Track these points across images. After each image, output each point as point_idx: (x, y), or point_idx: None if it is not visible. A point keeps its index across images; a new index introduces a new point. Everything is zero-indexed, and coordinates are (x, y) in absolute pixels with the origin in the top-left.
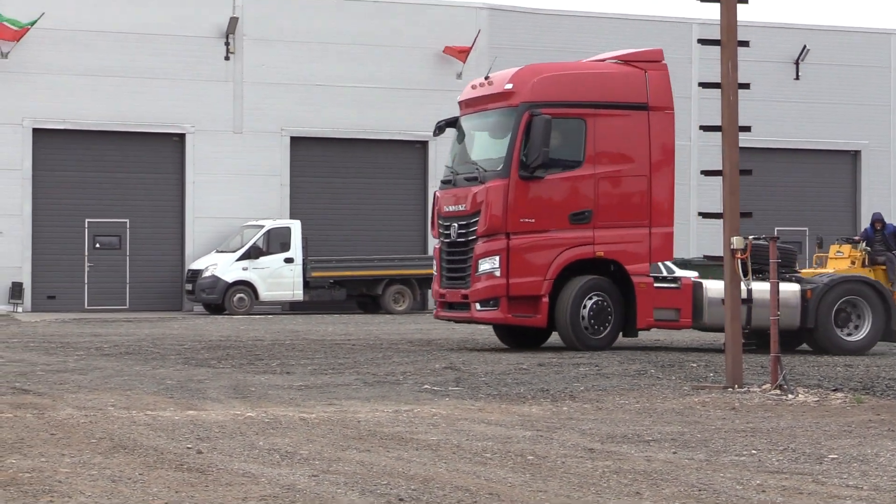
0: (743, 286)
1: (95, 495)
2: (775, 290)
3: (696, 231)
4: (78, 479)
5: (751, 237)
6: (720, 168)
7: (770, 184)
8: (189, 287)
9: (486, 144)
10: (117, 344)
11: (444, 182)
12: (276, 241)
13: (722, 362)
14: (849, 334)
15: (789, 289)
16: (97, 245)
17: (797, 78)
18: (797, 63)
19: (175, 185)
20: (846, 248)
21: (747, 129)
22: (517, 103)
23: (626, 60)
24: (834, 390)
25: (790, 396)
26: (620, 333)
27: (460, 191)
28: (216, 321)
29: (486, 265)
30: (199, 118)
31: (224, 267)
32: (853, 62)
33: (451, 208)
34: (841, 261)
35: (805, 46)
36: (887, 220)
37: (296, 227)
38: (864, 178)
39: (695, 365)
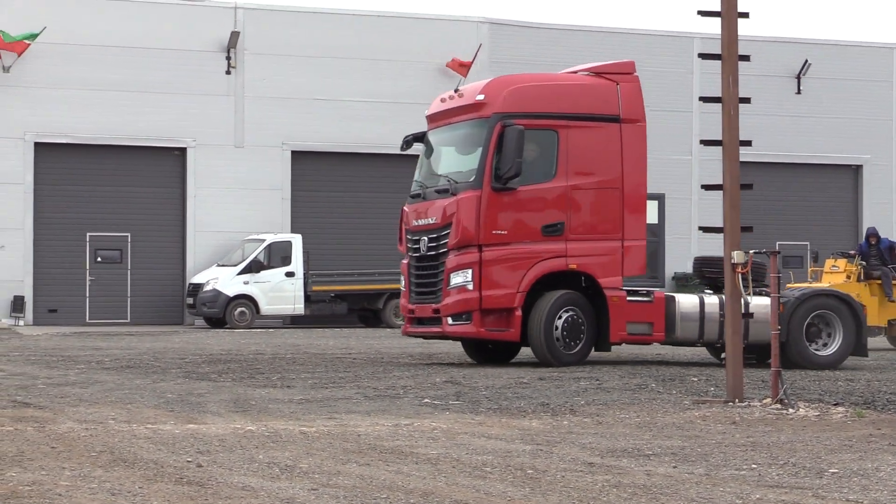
0: (714, 300)
1: None
2: (775, 305)
3: (696, 245)
4: (78, 493)
5: (752, 251)
6: (721, 182)
7: (771, 198)
8: (190, 301)
9: (457, 156)
10: (118, 357)
11: (412, 196)
12: (277, 255)
13: (723, 376)
14: (818, 349)
15: (761, 303)
16: (98, 259)
17: (799, 92)
18: (799, 77)
19: (176, 199)
20: (841, 262)
21: (748, 143)
22: (489, 114)
23: (597, 72)
24: (835, 405)
25: (791, 411)
26: (592, 348)
27: (430, 204)
28: (217, 335)
29: (458, 278)
30: (201, 132)
31: (225, 281)
32: (855, 76)
33: (421, 222)
34: (836, 275)
35: (806, 61)
36: (885, 235)
37: (297, 241)
38: (865, 192)
39: (696, 379)
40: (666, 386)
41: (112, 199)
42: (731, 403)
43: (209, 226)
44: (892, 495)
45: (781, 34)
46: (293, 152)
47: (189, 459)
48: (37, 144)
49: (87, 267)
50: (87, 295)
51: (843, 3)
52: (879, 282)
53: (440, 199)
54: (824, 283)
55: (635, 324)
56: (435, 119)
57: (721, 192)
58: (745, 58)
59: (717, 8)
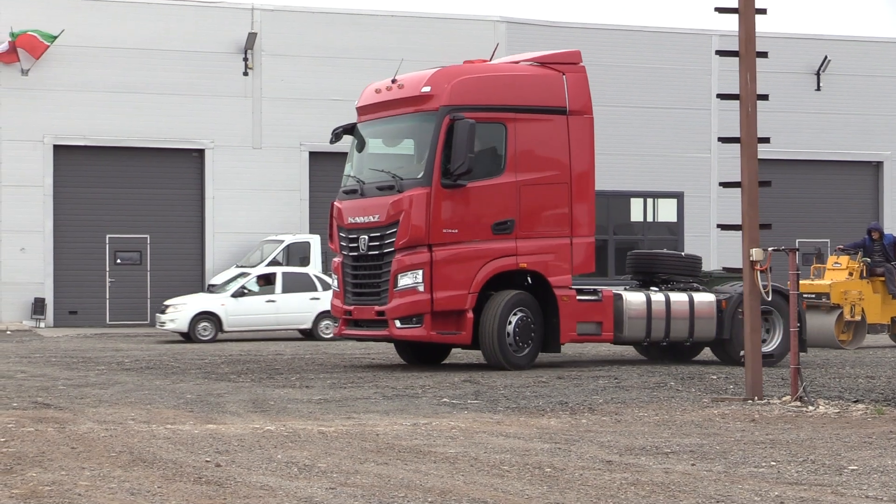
0: (660, 297)
1: None
2: (794, 303)
3: (715, 243)
4: (97, 492)
5: (770, 249)
6: (739, 180)
7: (790, 195)
8: None
9: (399, 151)
10: (138, 359)
11: (346, 192)
12: (295, 256)
13: (741, 374)
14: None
15: (706, 299)
16: (118, 261)
17: (818, 89)
18: (818, 74)
19: (195, 200)
20: (844, 259)
21: (766, 140)
22: (436, 107)
23: (542, 62)
24: (854, 402)
25: (810, 408)
26: (539, 350)
27: (371, 201)
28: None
29: (406, 280)
30: (219, 134)
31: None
32: (875, 73)
33: (360, 219)
34: (839, 272)
35: (826, 57)
36: (888, 231)
37: (315, 241)
38: (886, 189)
39: (715, 377)
40: (685, 384)
41: (131, 200)
42: (750, 401)
43: (228, 227)
44: None
45: (800, 31)
46: (311, 153)
47: (208, 459)
48: (56, 147)
49: (107, 269)
50: (108, 297)
51: None
52: (883, 278)
53: (383, 196)
54: (826, 281)
55: (585, 323)
56: (369, 111)
57: (739, 189)
58: (763, 54)
59: (735, 4)
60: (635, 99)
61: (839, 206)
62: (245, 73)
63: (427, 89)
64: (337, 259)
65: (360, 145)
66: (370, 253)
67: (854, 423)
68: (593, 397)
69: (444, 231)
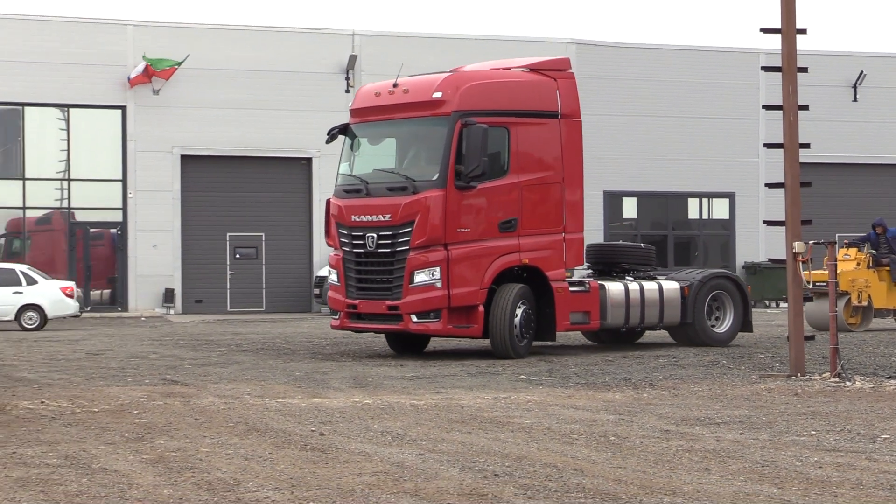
0: (636, 286)
1: (230, 471)
2: (833, 290)
3: (763, 238)
4: (216, 458)
5: (811, 242)
6: (783, 181)
7: (829, 195)
8: (317, 291)
9: (410, 153)
10: (254, 341)
11: (348, 191)
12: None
13: (787, 354)
14: (714, 326)
15: (672, 287)
16: (237, 255)
17: (855, 100)
18: (855, 87)
19: (304, 202)
20: (852, 251)
21: (807, 146)
22: (448, 112)
23: (535, 69)
24: (888, 378)
25: (848, 384)
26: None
27: (380, 200)
28: None
29: (422, 276)
30: (324, 144)
31: None
32: None
33: (366, 218)
34: (847, 263)
35: (862, 72)
36: (892, 226)
37: None
38: None
39: (762, 356)
40: (735, 362)
41: (248, 203)
42: (793, 377)
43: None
44: None
45: (838, 48)
46: None
47: (313, 429)
48: (183, 157)
49: (228, 262)
50: (228, 287)
51: None
52: (888, 268)
53: (395, 197)
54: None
55: (576, 313)
56: (369, 113)
57: (783, 189)
58: (804, 69)
59: (778, 26)
60: (691, 110)
61: (872, 203)
62: (347, 91)
63: (438, 95)
64: (333, 254)
65: (358, 146)
66: (380, 250)
67: (887, 397)
68: (654, 374)
69: (459, 230)
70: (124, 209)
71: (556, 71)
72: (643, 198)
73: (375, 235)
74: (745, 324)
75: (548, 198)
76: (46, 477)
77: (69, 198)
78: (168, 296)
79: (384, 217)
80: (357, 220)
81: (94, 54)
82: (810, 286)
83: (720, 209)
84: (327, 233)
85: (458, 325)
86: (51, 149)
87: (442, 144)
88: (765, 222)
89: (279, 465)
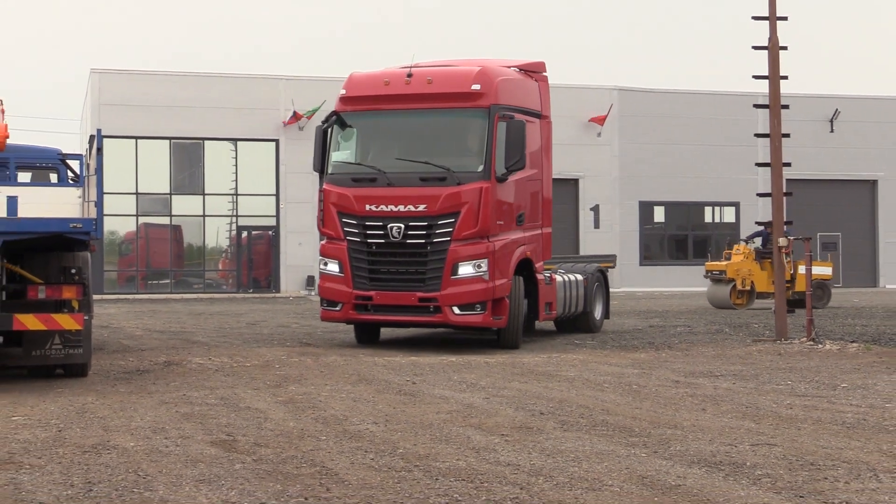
0: (571, 278)
1: (342, 409)
2: (809, 275)
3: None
4: (332, 400)
5: (792, 238)
6: (770, 191)
7: (808, 203)
8: None
9: (437, 144)
10: None
11: (356, 180)
12: None
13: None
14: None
15: (580, 279)
16: None
17: (832, 131)
18: (831, 121)
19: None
20: (741, 246)
21: (788, 164)
22: (487, 105)
23: (521, 69)
24: (852, 342)
25: (820, 346)
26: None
27: (408, 191)
28: None
29: (467, 269)
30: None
31: None
32: (875, 119)
33: (392, 208)
34: (737, 256)
35: (837, 109)
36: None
37: None
38: (879, 201)
39: (757, 325)
40: (735, 330)
41: None
42: (778, 341)
43: None
44: (882, 400)
45: (817, 90)
46: None
47: (407, 379)
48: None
49: None
50: None
51: (867, 64)
52: (770, 260)
53: (430, 187)
54: (725, 262)
55: (547, 304)
56: (374, 101)
57: (770, 198)
58: (786, 107)
59: (766, 73)
60: (706, 139)
61: (844, 210)
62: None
63: (477, 87)
64: (326, 243)
65: (352, 134)
66: (409, 241)
67: (849, 356)
68: (672, 339)
69: (498, 223)
70: (277, 216)
71: (537, 73)
72: (669, 206)
73: (402, 226)
74: (606, 312)
75: (536, 193)
76: (205, 412)
77: (237, 208)
78: (309, 281)
79: (418, 207)
80: (376, 209)
81: (255, 100)
82: (707, 275)
83: (728, 214)
84: (322, 222)
85: (495, 317)
86: (224, 172)
87: (479, 136)
88: (757, 223)
89: (378, 406)
